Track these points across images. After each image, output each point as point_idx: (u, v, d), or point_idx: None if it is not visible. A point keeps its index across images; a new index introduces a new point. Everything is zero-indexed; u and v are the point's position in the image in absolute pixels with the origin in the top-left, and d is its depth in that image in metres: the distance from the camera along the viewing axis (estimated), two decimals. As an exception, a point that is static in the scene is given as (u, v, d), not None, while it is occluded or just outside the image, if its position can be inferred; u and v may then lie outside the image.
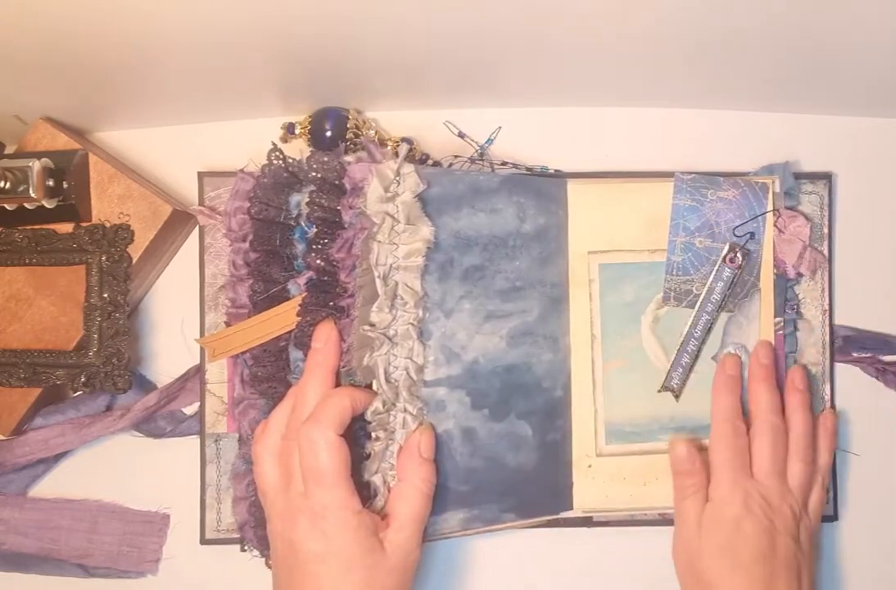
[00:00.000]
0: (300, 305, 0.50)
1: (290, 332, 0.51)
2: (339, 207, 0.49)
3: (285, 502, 0.46)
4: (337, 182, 0.50)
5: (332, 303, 0.49)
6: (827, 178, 0.56)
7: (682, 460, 0.51)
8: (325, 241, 0.50)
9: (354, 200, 0.49)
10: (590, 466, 0.53)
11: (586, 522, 0.54)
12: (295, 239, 0.52)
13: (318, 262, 0.49)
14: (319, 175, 0.50)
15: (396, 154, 0.49)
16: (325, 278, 0.49)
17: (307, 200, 0.50)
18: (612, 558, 0.56)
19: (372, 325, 0.48)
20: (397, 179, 0.48)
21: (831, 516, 0.56)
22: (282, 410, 0.49)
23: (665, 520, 0.54)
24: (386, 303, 0.48)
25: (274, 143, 0.51)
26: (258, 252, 0.51)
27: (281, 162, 0.50)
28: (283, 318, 0.50)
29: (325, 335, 0.48)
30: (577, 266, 0.53)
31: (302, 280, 0.51)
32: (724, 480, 0.50)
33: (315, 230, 0.50)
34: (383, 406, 0.48)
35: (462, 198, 0.51)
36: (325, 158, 0.50)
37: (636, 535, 0.55)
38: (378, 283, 0.48)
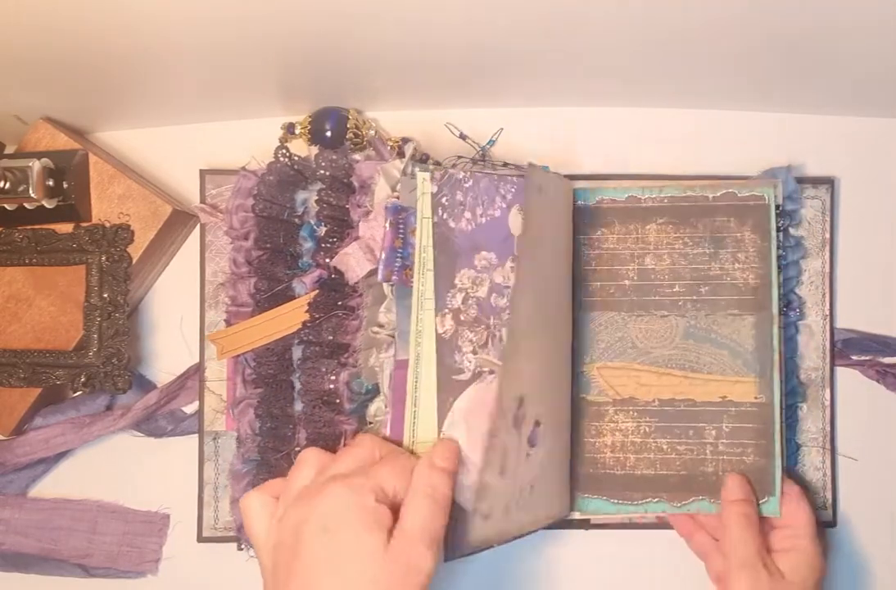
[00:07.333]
0: (309, 304, 0.50)
1: (296, 331, 0.51)
2: (347, 206, 0.49)
3: (312, 483, 0.44)
4: (346, 180, 0.50)
5: (341, 302, 0.49)
6: (829, 182, 0.55)
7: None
8: (335, 239, 0.50)
9: (363, 198, 0.49)
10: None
11: (584, 524, 0.54)
12: (302, 237, 0.52)
13: (328, 260, 0.49)
14: (328, 173, 0.50)
15: (399, 153, 0.49)
16: (335, 277, 0.49)
17: (316, 198, 0.50)
18: (609, 560, 0.56)
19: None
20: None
21: (830, 523, 0.55)
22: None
23: (662, 524, 0.54)
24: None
25: (281, 141, 0.51)
26: (262, 250, 0.51)
27: (287, 160, 0.50)
28: (289, 317, 0.51)
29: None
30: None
31: (308, 279, 0.51)
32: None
33: (325, 229, 0.50)
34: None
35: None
36: (334, 156, 0.50)
37: (634, 538, 0.55)
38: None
